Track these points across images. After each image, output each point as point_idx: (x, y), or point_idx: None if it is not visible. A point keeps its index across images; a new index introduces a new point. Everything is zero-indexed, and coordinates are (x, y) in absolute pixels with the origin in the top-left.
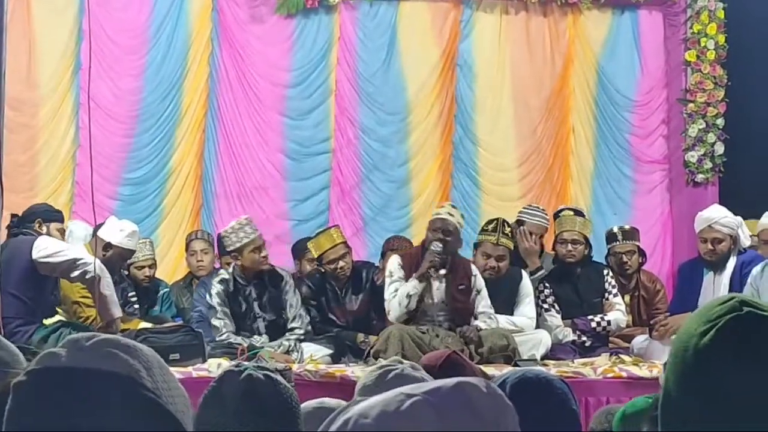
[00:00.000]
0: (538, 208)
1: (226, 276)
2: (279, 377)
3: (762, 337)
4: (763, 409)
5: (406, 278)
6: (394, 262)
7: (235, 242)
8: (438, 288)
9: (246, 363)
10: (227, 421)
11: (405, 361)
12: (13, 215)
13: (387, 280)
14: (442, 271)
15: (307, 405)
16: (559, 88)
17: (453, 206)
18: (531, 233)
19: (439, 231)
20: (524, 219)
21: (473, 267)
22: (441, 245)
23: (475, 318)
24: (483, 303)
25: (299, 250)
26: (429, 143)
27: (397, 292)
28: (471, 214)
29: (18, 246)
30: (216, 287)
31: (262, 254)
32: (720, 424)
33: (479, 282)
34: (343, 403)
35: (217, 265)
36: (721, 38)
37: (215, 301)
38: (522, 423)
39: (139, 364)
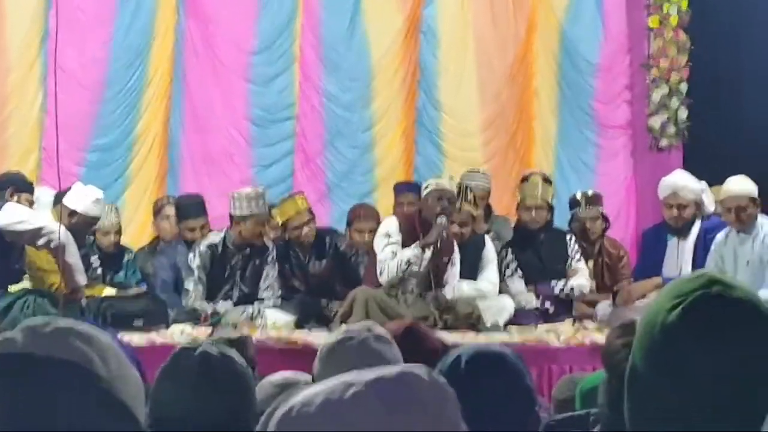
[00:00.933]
0: (478, 170)
1: (216, 241)
2: (234, 354)
3: (729, 316)
4: (727, 387)
5: (402, 243)
6: (392, 224)
7: (245, 209)
8: (425, 258)
9: (202, 338)
10: (182, 397)
11: (375, 329)
12: None
13: (383, 240)
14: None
15: (272, 381)
16: (523, 53)
17: (451, 177)
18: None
19: (444, 200)
20: (466, 183)
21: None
22: (446, 218)
23: (443, 285)
24: (454, 271)
25: None
26: (392, 109)
27: (396, 255)
28: None
29: None
30: (202, 250)
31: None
32: (685, 401)
33: (457, 255)
34: (307, 377)
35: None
36: (684, 3)
37: (196, 263)
38: (477, 397)
39: (94, 352)
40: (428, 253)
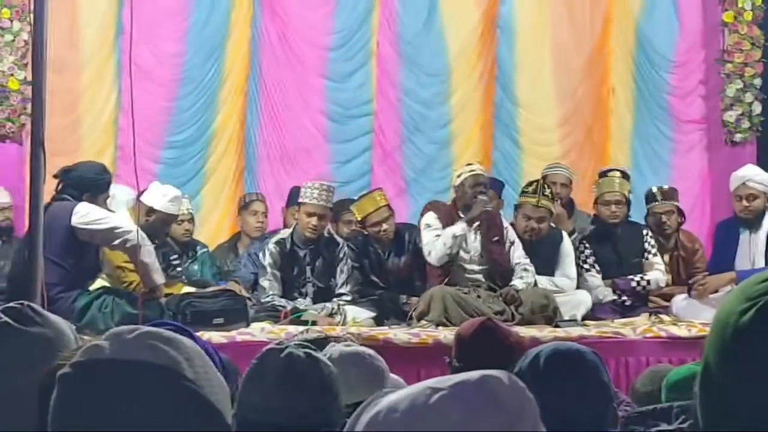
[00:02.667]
0: (558, 164)
1: (284, 236)
2: (320, 354)
3: None
4: None
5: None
6: (430, 216)
7: (313, 198)
8: (473, 241)
9: (287, 341)
10: (268, 399)
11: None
12: (64, 169)
13: (425, 230)
14: (476, 224)
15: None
16: (599, 48)
17: (478, 163)
18: (554, 183)
19: (480, 185)
20: (546, 173)
21: (503, 219)
22: (486, 197)
23: (512, 271)
24: (518, 253)
25: (335, 212)
26: (470, 104)
27: (440, 235)
28: (512, 175)
29: (58, 212)
30: (271, 247)
31: (317, 223)
32: (757, 404)
33: (511, 233)
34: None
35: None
36: None
37: (267, 261)
38: (555, 394)
39: (180, 355)
40: (473, 236)
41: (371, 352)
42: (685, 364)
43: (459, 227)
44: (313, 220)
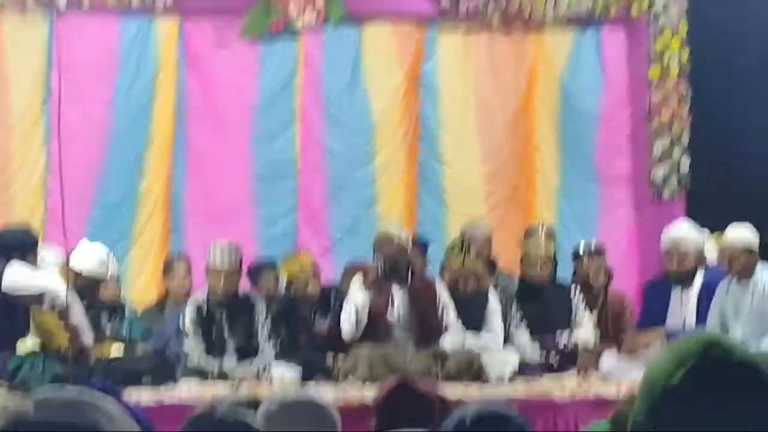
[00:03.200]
0: (478, 220)
1: (199, 300)
2: (250, 417)
3: (729, 380)
4: None
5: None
6: (354, 281)
7: (217, 261)
8: (400, 305)
9: (217, 405)
10: None
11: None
12: None
13: (346, 302)
14: (403, 285)
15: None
16: (524, 106)
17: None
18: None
19: (380, 242)
20: (467, 235)
21: (436, 281)
22: (383, 255)
23: (442, 330)
24: (451, 316)
25: (256, 273)
26: (395, 163)
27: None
28: (438, 233)
29: None
30: (189, 310)
31: (225, 284)
32: None
33: (444, 295)
34: None
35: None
36: (685, 54)
37: (188, 324)
38: None
39: (103, 417)
40: (399, 299)
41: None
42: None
43: (359, 297)
44: (221, 282)
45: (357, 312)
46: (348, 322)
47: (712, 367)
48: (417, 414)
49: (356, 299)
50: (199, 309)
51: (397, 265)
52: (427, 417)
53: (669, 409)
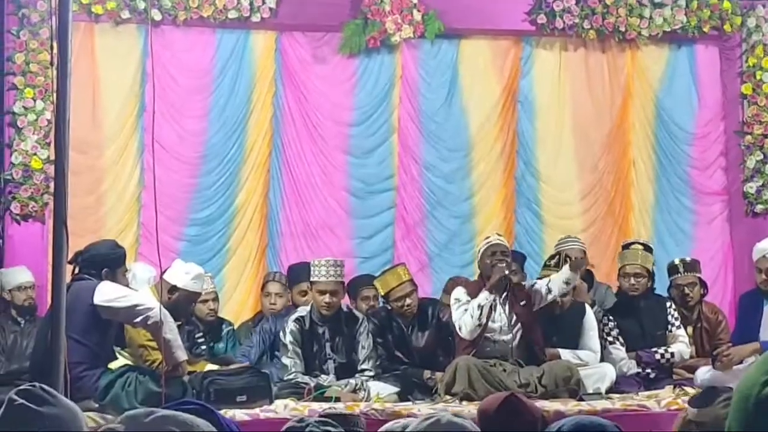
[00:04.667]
0: (570, 236)
1: (303, 314)
2: (338, 431)
3: None
4: None
5: None
6: (458, 290)
7: (323, 276)
8: (501, 312)
9: (309, 418)
10: None
11: (447, 410)
12: (77, 253)
13: (455, 306)
14: (503, 295)
15: None
16: (619, 122)
17: (498, 234)
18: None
19: (498, 254)
20: (561, 248)
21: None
22: (504, 264)
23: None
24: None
25: (354, 288)
26: (492, 179)
27: (467, 309)
28: (534, 248)
29: (80, 290)
30: (291, 325)
31: (330, 300)
32: None
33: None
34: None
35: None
36: None
37: (288, 339)
38: None
39: None
40: (500, 308)
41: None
42: None
43: (483, 296)
44: (326, 297)
45: (481, 309)
46: (472, 319)
47: None
48: (521, 428)
49: (479, 299)
50: (301, 324)
51: (499, 279)
52: None
53: (763, 418)
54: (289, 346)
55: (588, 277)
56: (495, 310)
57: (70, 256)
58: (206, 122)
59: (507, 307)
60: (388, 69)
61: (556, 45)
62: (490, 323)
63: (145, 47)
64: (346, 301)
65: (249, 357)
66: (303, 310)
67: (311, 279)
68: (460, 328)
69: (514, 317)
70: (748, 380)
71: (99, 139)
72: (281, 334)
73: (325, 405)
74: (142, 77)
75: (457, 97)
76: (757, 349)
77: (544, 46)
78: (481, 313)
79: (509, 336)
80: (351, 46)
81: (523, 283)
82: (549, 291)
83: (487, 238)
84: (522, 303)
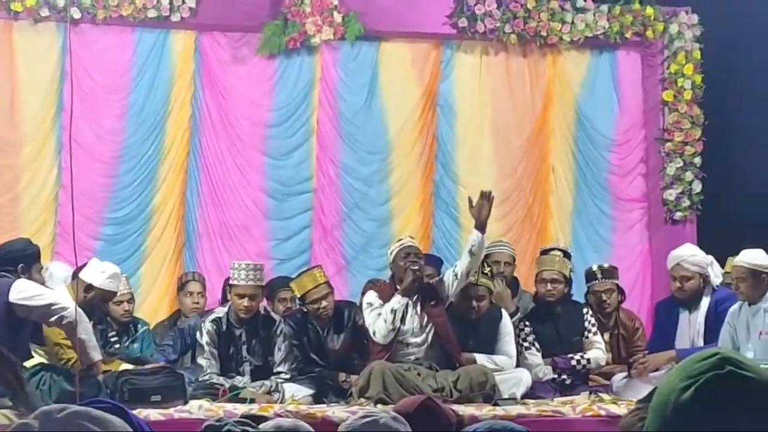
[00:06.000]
0: (500, 240)
1: (220, 315)
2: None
3: (741, 396)
4: None
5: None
6: (370, 294)
7: (242, 279)
8: (413, 314)
9: (227, 418)
10: None
11: (387, 411)
12: None
13: (367, 311)
14: (415, 297)
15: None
16: (539, 127)
17: (411, 237)
18: (498, 263)
19: (411, 256)
20: (489, 251)
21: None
22: (416, 266)
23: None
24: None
25: (271, 290)
26: (410, 182)
27: (381, 313)
28: (452, 252)
29: None
30: (208, 326)
31: (248, 303)
32: None
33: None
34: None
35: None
36: (698, 78)
37: (205, 339)
38: None
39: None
40: (411, 310)
41: (308, 428)
42: None
43: (396, 300)
44: (245, 301)
45: (394, 314)
46: (385, 324)
47: (724, 383)
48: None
49: (392, 303)
50: (218, 325)
51: (412, 281)
52: None
53: (681, 425)
54: (206, 347)
55: (513, 284)
56: (407, 313)
57: None
58: (124, 121)
59: (419, 309)
60: (307, 70)
61: (476, 49)
62: (402, 326)
63: (65, 45)
64: (263, 303)
65: (170, 355)
66: (220, 311)
67: (230, 282)
68: (374, 333)
69: (426, 318)
70: (666, 386)
71: (16, 137)
72: (198, 334)
73: (239, 406)
74: (61, 76)
75: (376, 100)
76: (672, 357)
77: (465, 49)
78: (394, 318)
79: (422, 338)
80: (271, 47)
81: (432, 281)
82: (455, 276)
83: (400, 240)
84: (432, 303)
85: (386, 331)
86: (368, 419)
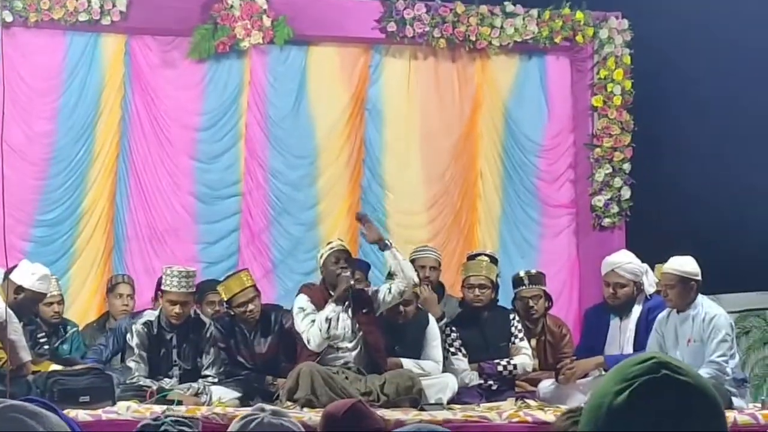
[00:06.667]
0: (426, 246)
1: (151, 318)
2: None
3: (676, 400)
4: None
5: (317, 312)
6: (302, 299)
7: (174, 286)
8: (344, 319)
9: (164, 417)
10: None
11: (267, 408)
12: None
13: (299, 316)
14: (346, 303)
15: None
16: (468, 132)
17: (339, 239)
18: (423, 267)
19: (342, 260)
20: (414, 256)
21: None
22: (348, 272)
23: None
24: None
25: (200, 293)
26: (338, 187)
27: (315, 321)
28: (379, 257)
29: None
30: (138, 328)
31: (180, 310)
32: None
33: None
34: None
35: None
36: (628, 84)
37: (135, 342)
38: None
39: (44, 429)
40: (345, 311)
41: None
42: None
43: (330, 309)
44: (176, 308)
45: (329, 322)
46: (320, 332)
47: (659, 387)
48: None
49: (326, 311)
50: (149, 329)
51: (345, 289)
52: None
53: (614, 428)
54: (135, 349)
55: (439, 289)
56: (339, 318)
57: None
58: (55, 124)
59: (350, 315)
60: (236, 74)
61: (405, 53)
62: (335, 331)
63: None
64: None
65: (105, 355)
66: (151, 315)
67: (162, 287)
68: (308, 341)
69: (357, 325)
70: (601, 390)
71: None
72: (128, 336)
73: (167, 407)
74: None
75: (304, 104)
76: (600, 363)
77: (394, 54)
78: (329, 327)
79: (352, 343)
80: (200, 50)
81: (366, 289)
82: (390, 293)
83: (330, 243)
84: (364, 311)
85: (321, 339)
86: (253, 421)
